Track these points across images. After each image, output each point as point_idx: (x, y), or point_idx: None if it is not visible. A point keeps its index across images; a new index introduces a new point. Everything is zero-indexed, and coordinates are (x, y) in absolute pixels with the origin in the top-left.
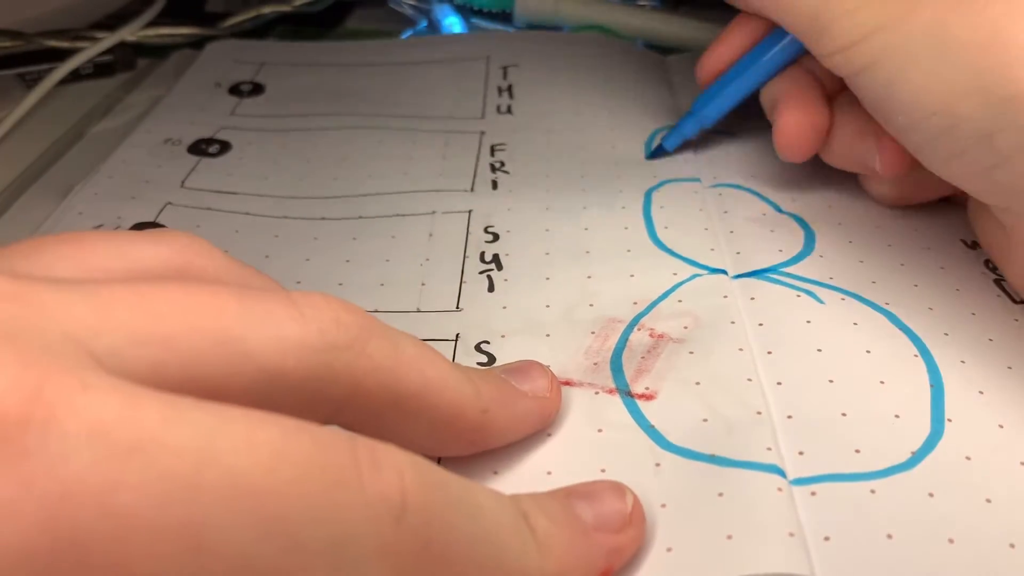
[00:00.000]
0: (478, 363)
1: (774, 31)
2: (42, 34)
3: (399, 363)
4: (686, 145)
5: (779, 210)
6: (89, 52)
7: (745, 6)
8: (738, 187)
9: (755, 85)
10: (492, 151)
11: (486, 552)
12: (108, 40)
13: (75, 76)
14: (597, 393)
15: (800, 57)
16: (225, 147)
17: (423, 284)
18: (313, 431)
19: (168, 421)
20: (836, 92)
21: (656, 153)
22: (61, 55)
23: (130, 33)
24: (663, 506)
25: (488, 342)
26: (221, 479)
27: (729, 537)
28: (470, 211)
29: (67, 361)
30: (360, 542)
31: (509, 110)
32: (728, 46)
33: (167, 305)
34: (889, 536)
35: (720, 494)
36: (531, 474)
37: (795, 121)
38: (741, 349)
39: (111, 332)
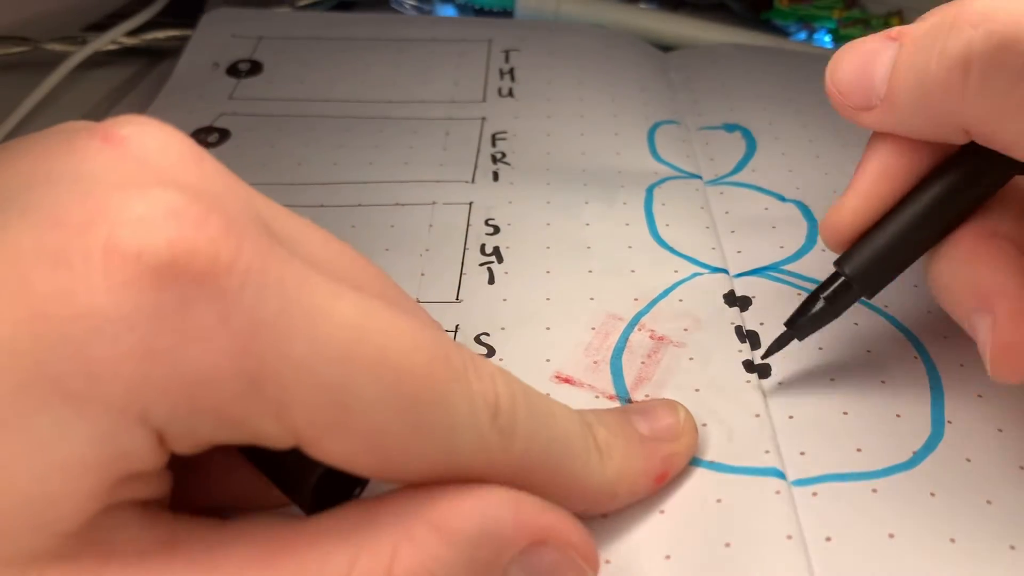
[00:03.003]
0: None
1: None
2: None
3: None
4: (687, 147)
5: (782, 199)
6: (91, 47)
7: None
8: (739, 184)
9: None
10: (493, 141)
11: (559, 454)
12: (110, 36)
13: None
14: (597, 397)
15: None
16: (224, 135)
17: (422, 274)
18: (436, 330)
19: (334, 296)
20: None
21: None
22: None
23: (128, 30)
24: (662, 512)
25: (488, 334)
26: (371, 353)
27: (727, 545)
28: (471, 203)
29: (259, 231)
30: (465, 433)
31: (511, 93)
32: (870, 196)
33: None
34: (891, 535)
35: (719, 500)
36: None
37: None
38: (740, 350)
39: (290, 221)
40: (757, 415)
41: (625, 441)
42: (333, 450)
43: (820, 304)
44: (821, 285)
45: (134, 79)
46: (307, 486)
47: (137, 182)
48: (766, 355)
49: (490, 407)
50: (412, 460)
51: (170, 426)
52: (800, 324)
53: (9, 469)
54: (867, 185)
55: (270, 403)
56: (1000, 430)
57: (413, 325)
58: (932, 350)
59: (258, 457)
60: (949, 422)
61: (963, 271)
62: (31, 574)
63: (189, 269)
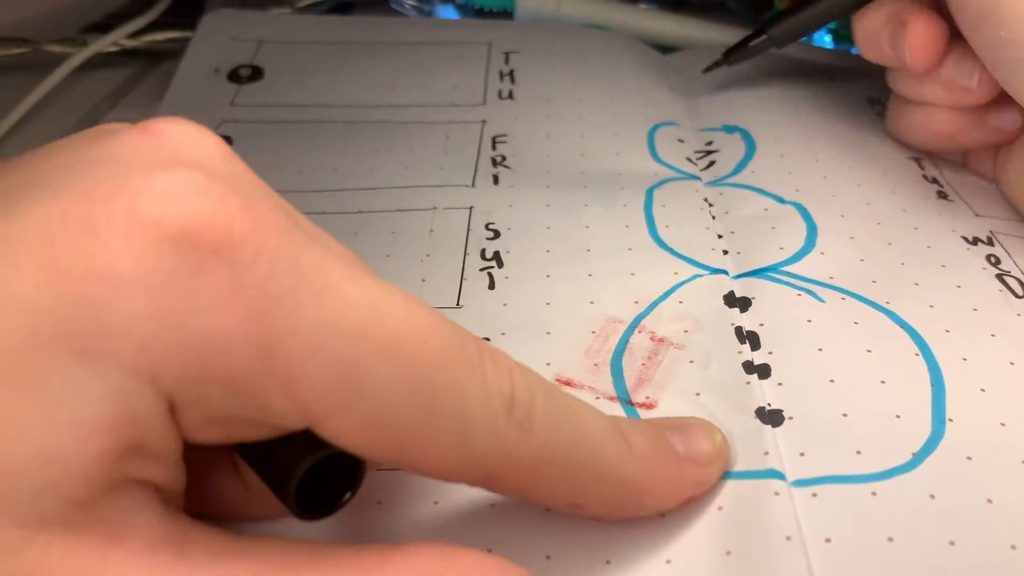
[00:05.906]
0: None
1: None
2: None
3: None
4: (688, 147)
5: (781, 201)
6: (91, 49)
7: None
8: (739, 185)
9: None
10: (493, 144)
11: (582, 452)
12: (110, 37)
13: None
14: (598, 398)
15: None
16: (227, 143)
17: (423, 280)
18: (452, 322)
19: (349, 279)
20: None
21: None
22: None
23: (129, 32)
24: (661, 516)
25: (488, 339)
26: (383, 334)
27: (728, 553)
28: (471, 207)
29: (279, 215)
30: (479, 422)
31: (511, 95)
32: None
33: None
34: (890, 539)
35: (719, 508)
36: None
37: (927, 27)
38: (740, 352)
39: (312, 226)
40: (757, 416)
41: (660, 455)
42: (343, 430)
43: (748, 48)
44: (751, 35)
45: (134, 80)
46: (292, 481)
47: (166, 165)
48: (708, 70)
49: (506, 399)
50: (424, 446)
51: (180, 392)
52: (733, 57)
53: (22, 425)
54: None
55: (279, 376)
56: (1003, 424)
57: (429, 312)
58: (934, 346)
59: (250, 453)
60: (950, 420)
61: (881, 14)
62: (39, 540)
63: (205, 238)
